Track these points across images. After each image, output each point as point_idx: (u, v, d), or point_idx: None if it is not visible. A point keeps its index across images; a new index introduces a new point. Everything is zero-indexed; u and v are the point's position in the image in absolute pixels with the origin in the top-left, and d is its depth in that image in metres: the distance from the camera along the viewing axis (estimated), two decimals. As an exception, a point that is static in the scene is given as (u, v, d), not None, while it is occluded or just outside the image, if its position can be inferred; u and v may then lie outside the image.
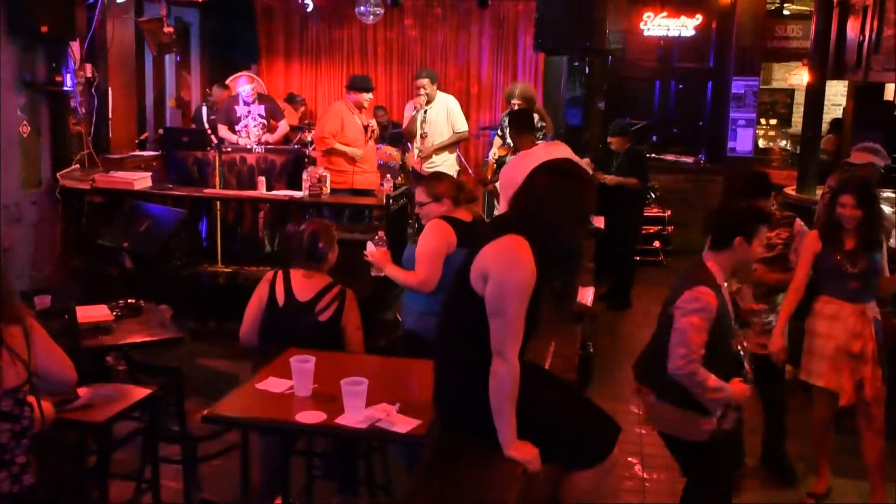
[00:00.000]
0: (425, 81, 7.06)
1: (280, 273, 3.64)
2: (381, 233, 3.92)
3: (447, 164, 7.20)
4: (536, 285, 2.45)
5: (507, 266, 2.43)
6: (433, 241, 3.62)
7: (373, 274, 3.92)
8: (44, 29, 5.73)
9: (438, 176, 4.00)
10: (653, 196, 8.21)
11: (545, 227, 2.49)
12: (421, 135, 7.20)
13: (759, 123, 9.57)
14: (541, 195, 2.54)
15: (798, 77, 9.98)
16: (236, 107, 7.61)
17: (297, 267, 3.67)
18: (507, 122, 7.20)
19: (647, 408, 3.24)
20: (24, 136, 6.02)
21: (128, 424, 3.57)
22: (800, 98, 9.81)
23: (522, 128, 5.47)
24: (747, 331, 3.93)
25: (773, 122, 10.72)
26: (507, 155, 7.05)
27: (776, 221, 4.03)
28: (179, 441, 3.61)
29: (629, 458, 4.35)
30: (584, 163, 6.36)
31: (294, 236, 3.72)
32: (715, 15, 9.56)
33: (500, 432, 2.49)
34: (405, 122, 7.40)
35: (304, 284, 3.61)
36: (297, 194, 6.27)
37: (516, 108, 7.02)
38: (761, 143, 10.20)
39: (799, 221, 4.09)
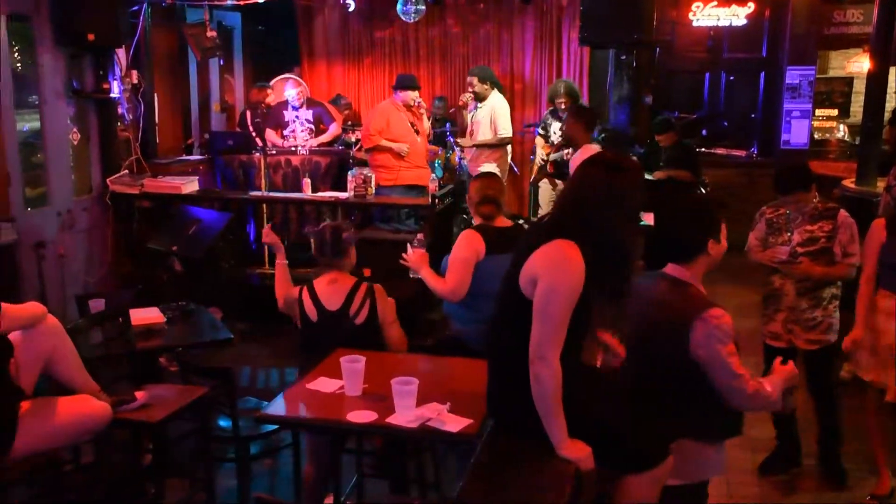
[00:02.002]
0: (473, 79, 7.26)
1: (304, 290, 3.58)
2: (420, 235, 3.91)
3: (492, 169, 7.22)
4: (585, 287, 2.41)
5: (556, 271, 2.41)
6: (461, 251, 3.70)
7: (411, 276, 3.91)
8: (90, 37, 5.83)
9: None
10: (703, 191, 8.02)
11: (594, 227, 2.44)
12: (469, 132, 7.33)
13: (814, 114, 9.25)
14: (587, 191, 2.48)
15: (858, 64, 9.52)
16: (284, 111, 7.66)
17: (322, 268, 3.62)
18: (549, 119, 7.18)
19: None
20: (75, 143, 6.13)
21: (182, 424, 3.61)
22: (859, 87, 9.38)
23: (590, 126, 5.48)
24: None
25: (829, 112, 10.31)
26: (551, 153, 7.00)
27: (818, 214, 3.87)
28: (232, 440, 3.62)
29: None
30: None
31: (316, 236, 3.65)
32: (768, 2, 9.23)
33: (551, 433, 2.46)
34: (459, 117, 7.58)
35: (331, 292, 3.54)
36: (342, 195, 6.28)
37: (562, 106, 6.98)
38: (817, 135, 9.84)
39: (843, 212, 3.87)
